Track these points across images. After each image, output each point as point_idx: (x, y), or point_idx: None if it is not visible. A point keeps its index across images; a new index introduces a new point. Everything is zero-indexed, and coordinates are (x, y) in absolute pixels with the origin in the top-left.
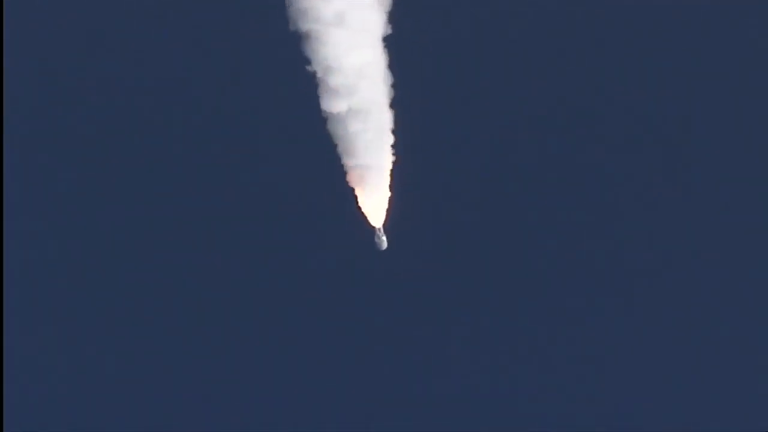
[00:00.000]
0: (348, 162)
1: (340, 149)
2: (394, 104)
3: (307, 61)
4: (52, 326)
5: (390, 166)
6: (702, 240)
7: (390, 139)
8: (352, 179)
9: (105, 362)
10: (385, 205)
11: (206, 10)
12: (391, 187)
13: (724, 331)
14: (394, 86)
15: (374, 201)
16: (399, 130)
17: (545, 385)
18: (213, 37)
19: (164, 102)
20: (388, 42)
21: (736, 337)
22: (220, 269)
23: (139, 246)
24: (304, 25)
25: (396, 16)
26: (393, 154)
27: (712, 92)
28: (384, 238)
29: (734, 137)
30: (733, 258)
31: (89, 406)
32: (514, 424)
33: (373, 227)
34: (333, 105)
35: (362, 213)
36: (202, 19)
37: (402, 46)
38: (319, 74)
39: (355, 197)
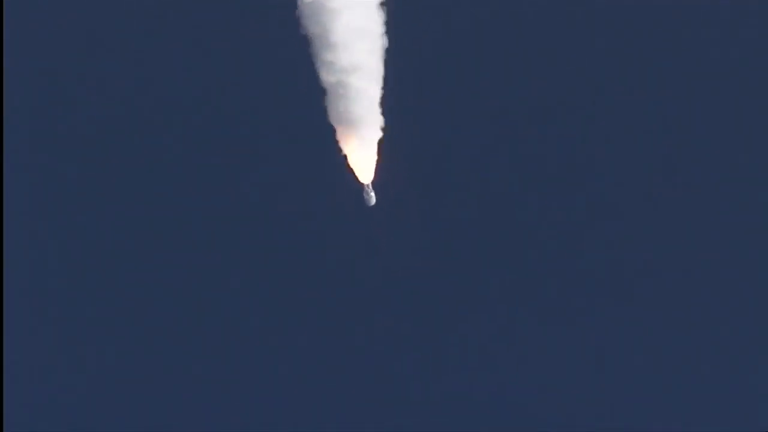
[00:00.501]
0: (337, 119)
1: (329, 106)
2: (385, 63)
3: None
4: (53, 326)
5: (379, 124)
6: (702, 240)
7: (379, 95)
8: (341, 136)
9: (105, 362)
10: (374, 162)
11: (205, 10)
12: (380, 145)
13: (724, 331)
14: (388, 47)
15: (363, 158)
16: (389, 88)
17: (540, 376)
18: (208, 31)
19: (156, 90)
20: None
21: (736, 337)
22: (216, 240)
23: (136, 242)
24: None
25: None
26: (381, 113)
27: (712, 92)
28: (372, 194)
29: (734, 137)
30: (733, 258)
31: (89, 406)
32: (511, 418)
33: (362, 184)
34: (325, 64)
35: (351, 170)
36: (201, 18)
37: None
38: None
39: (344, 155)
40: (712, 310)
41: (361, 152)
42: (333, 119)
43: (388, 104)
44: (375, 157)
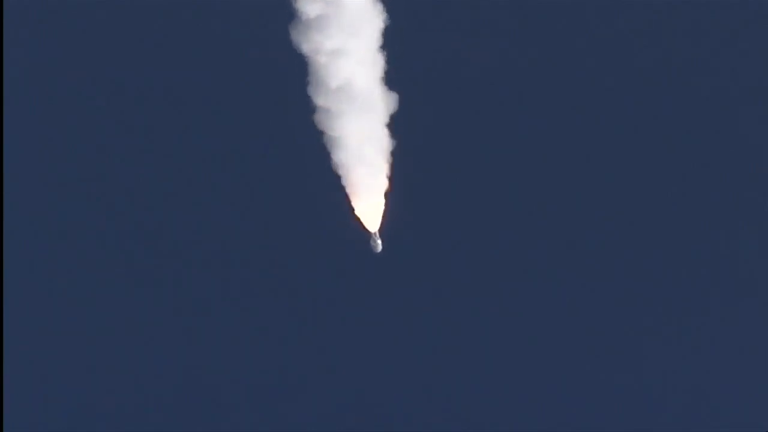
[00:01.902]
0: (343, 168)
1: (334, 154)
2: (390, 107)
3: (301, 59)
4: (53, 326)
5: (385, 172)
6: (703, 240)
7: (386, 142)
8: (348, 185)
9: (105, 362)
10: (381, 211)
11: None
12: (387, 193)
13: (724, 331)
14: (391, 88)
15: (370, 206)
16: (395, 133)
17: (543, 386)
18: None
19: (154, 94)
20: (385, 40)
21: (736, 337)
22: (216, 275)
23: (135, 244)
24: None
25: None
26: (388, 160)
27: (712, 92)
28: (379, 242)
29: (734, 137)
30: (733, 257)
31: (89, 406)
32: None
33: (369, 232)
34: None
35: (358, 219)
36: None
37: (399, 48)
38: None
39: (351, 203)
40: (712, 309)
41: (368, 201)
42: (339, 169)
43: (395, 148)
44: (382, 206)
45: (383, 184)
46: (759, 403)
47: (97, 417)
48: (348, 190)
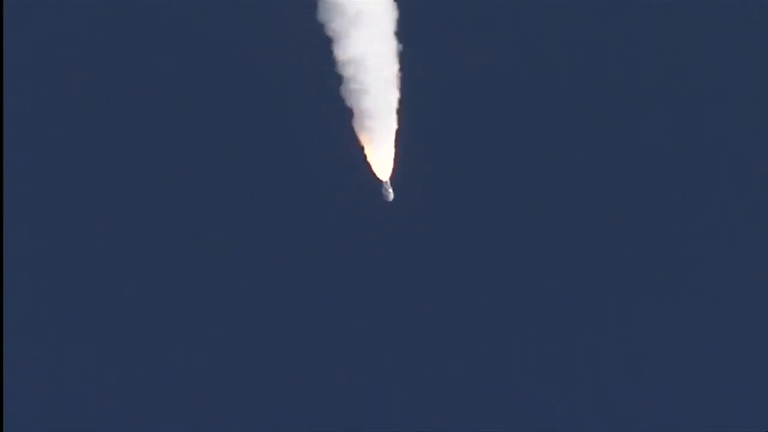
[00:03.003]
0: (357, 118)
1: (349, 103)
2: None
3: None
4: (53, 326)
5: (396, 122)
6: (704, 241)
7: (396, 93)
8: (360, 135)
9: (106, 362)
10: (392, 159)
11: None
12: (397, 142)
13: (724, 331)
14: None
15: (381, 155)
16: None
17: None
18: (212, 27)
19: (163, 87)
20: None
21: (736, 336)
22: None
23: (138, 242)
24: None
25: None
26: (398, 111)
27: (712, 92)
28: (390, 190)
29: (734, 137)
30: (734, 257)
31: (89, 407)
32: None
33: (381, 180)
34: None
35: (370, 167)
36: (204, 14)
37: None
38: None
39: (364, 152)
40: (712, 310)
41: (379, 148)
42: (350, 116)
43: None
44: (393, 153)
45: (394, 132)
46: (759, 403)
47: (98, 417)
48: (361, 141)
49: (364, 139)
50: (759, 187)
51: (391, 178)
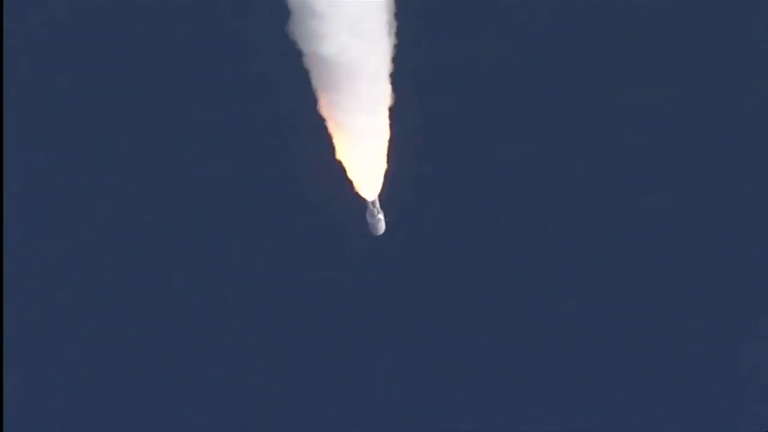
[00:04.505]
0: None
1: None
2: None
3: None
4: (53, 326)
5: (387, 129)
6: (705, 241)
7: (387, 97)
8: (340, 145)
9: (106, 363)
10: (381, 174)
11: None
12: (389, 154)
13: (724, 331)
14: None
15: (367, 167)
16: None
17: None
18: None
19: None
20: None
21: (735, 336)
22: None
23: (138, 242)
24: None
25: None
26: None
27: (712, 92)
28: (381, 216)
29: (734, 137)
30: (734, 257)
31: (89, 407)
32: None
33: (366, 201)
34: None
35: (352, 184)
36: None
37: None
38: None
39: (343, 166)
40: (712, 310)
41: (365, 160)
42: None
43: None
44: (383, 166)
45: (384, 141)
46: (759, 403)
47: (98, 417)
48: (340, 152)
49: (345, 151)
50: (759, 188)
51: (380, 196)
